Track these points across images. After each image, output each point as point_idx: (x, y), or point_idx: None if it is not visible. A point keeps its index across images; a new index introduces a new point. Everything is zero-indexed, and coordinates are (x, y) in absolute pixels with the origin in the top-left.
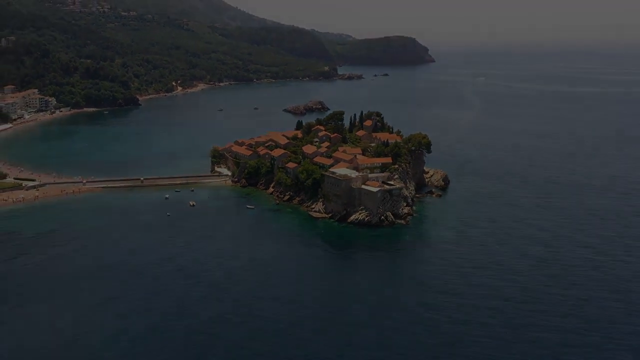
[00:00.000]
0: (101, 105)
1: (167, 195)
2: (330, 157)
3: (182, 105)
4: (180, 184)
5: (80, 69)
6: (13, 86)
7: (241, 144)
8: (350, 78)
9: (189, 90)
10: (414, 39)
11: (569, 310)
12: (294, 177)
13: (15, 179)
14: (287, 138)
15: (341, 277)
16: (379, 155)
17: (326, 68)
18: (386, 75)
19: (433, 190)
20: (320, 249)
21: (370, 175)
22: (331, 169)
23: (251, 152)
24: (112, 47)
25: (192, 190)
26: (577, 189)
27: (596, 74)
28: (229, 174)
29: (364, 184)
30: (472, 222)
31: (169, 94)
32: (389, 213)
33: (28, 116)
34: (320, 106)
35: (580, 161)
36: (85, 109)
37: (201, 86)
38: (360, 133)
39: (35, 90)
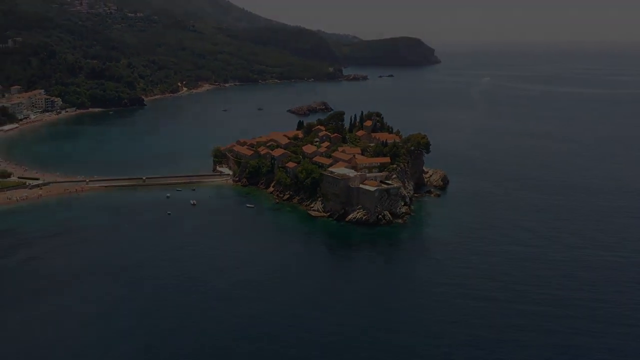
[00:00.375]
0: (106, 105)
1: (168, 194)
2: (329, 156)
3: (186, 105)
4: (182, 183)
5: (86, 70)
6: (19, 86)
7: (243, 144)
8: (355, 79)
9: (194, 91)
10: (420, 40)
11: (561, 312)
12: (294, 177)
13: (19, 178)
14: (288, 138)
15: (336, 275)
16: (377, 155)
17: (331, 69)
18: (391, 76)
19: (432, 190)
20: (317, 247)
21: (368, 175)
22: (330, 169)
23: (252, 152)
24: (118, 48)
25: (194, 190)
26: (576, 190)
27: (606, 75)
28: (230, 173)
29: (362, 183)
30: (468, 221)
31: (174, 95)
32: (386, 212)
33: (34, 116)
34: (323, 107)
35: (580, 162)
36: (90, 109)
37: (206, 87)
38: (360, 133)
39: (42, 91)
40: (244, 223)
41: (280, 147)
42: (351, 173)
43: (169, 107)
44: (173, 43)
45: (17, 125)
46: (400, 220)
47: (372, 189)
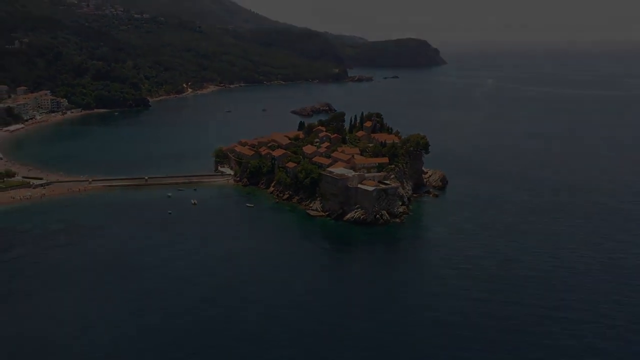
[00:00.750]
0: (112, 106)
1: (169, 194)
2: (328, 157)
3: (191, 106)
4: (184, 183)
5: (92, 71)
6: (25, 87)
7: (244, 144)
8: (360, 80)
9: (199, 92)
10: (426, 41)
11: (555, 313)
12: (293, 177)
13: (23, 177)
14: (289, 139)
15: (332, 274)
16: (376, 155)
17: (336, 70)
18: (396, 77)
19: (430, 190)
20: (314, 246)
21: (367, 175)
22: (329, 169)
23: (253, 152)
24: (125, 49)
25: (195, 189)
26: (576, 191)
27: (616, 77)
28: (232, 173)
29: (360, 183)
30: (464, 221)
31: (180, 96)
32: (384, 212)
33: (39, 117)
34: (327, 108)
35: (581, 163)
36: (96, 110)
37: (211, 88)
38: (360, 134)
39: (47, 92)
40: (242, 222)
41: (281, 148)
42: (350, 173)
43: (173, 108)
44: (179, 44)
45: (22, 125)
46: (397, 220)
47: (370, 188)
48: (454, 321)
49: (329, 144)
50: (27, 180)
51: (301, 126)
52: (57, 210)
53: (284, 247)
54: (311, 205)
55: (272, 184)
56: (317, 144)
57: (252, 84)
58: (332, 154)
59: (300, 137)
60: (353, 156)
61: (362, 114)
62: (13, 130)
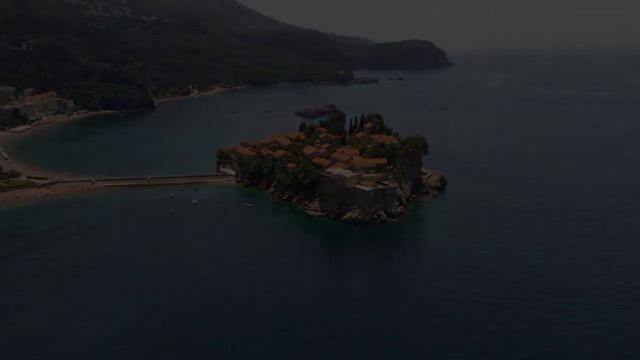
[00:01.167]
0: (118, 107)
1: (171, 194)
2: (328, 157)
3: (196, 108)
4: (185, 183)
5: (99, 72)
6: (32, 89)
7: (246, 145)
8: (365, 82)
9: (205, 94)
10: (432, 43)
11: (552, 317)
12: (293, 177)
13: (28, 177)
14: (290, 139)
15: (330, 273)
16: (375, 156)
17: (342, 72)
18: (401, 79)
19: (429, 191)
20: (312, 245)
21: (365, 176)
22: (327, 169)
23: (254, 153)
24: (132, 51)
25: (196, 190)
26: (575, 192)
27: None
28: (233, 174)
29: (358, 183)
30: (461, 222)
31: (185, 97)
32: (381, 212)
33: (46, 118)
34: (331, 109)
35: (581, 164)
36: (102, 112)
37: (217, 89)
38: (360, 135)
39: (54, 93)
40: (241, 222)
41: (282, 149)
42: (348, 174)
43: (178, 109)
44: (186, 46)
45: (29, 126)
46: (395, 220)
47: (368, 189)
48: (452, 322)
49: (329, 144)
50: (32, 180)
51: (303, 127)
52: (61, 209)
53: (281, 247)
54: (310, 205)
55: (273, 185)
56: (318, 144)
57: (257, 86)
58: (332, 155)
59: (302, 138)
60: (352, 157)
61: (363, 115)
62: (19, 131)
